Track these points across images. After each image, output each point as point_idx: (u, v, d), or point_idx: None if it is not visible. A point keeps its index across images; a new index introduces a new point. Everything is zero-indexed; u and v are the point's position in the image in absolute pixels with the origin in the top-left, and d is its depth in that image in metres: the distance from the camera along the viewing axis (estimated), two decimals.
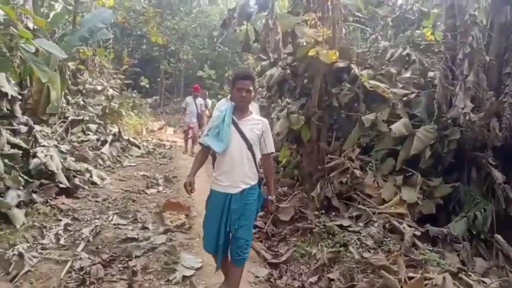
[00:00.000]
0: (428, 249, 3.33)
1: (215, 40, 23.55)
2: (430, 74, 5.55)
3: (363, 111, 5.01)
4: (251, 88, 2.69)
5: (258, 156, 2.76)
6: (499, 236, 3.71)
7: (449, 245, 3.47)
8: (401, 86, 5.22)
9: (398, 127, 4.51)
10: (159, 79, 23.14)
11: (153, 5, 20.79)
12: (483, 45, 4.29)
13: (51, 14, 9.26)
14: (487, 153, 4.16)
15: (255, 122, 2.73)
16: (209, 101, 11.17)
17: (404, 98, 4.90)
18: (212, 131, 2.71)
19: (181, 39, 22.85)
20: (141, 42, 23.73)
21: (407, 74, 5.49)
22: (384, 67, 5.59)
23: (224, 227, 2.69)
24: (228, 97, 4.46)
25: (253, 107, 3.66)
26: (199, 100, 9.94)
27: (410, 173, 4.48)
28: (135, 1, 20.19)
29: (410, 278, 2.74)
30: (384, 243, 3.48)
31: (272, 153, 2.83)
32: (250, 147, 2.67)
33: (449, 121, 4.29)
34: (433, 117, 4.54)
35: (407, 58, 5.97)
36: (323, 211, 4.36)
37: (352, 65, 5.16)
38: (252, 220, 2.82)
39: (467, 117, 4.07)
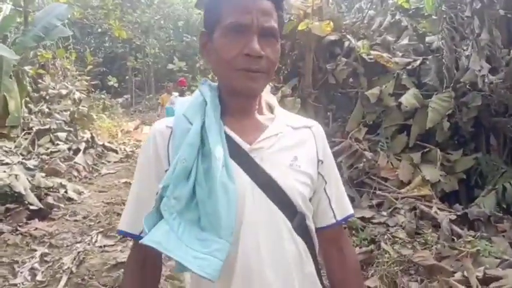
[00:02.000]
0: (471, 236, 2.90)
1: (181, 30, 22.61)
2: (427, 38, 5.11)
3: (364, 86, 4.52)
4: (274, 24, 0.81)
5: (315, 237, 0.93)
6: None
7: (492, 227, 3.06)
8: (401, 54, 4.75)
9: (408, 99, 4.04)
10: (127, 77, 22.08)
11: None
12: None
13: (0, 18, 8.32)
14: (511, 118, 3.76)
15: (292, 140, 0.89)
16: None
17: (408, 67, 4.43)
18: (172, 192, 0.75)
19: (145, 33, 21.79)
20: (103, 40, 22.53)
21: (405, 41, 5.01)
22: (378, 36, 5.10)
23: None
24: (176, 95, 2.00)
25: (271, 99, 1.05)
26: None
27: (426, 149, 4.05)
28: None
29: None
30: (419, 233, 3.03)
31: (349, 218, 1.00)
32: (299, 223, 0.86)
33: (466, 86, 3.85)
34: (444, 84, 4.09)
35: (399, 25, 5.50)
36: None
37: (348, 36, 4.64)
38: None
39: (486, 80, 3.64)
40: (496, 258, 2.55)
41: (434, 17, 5.48)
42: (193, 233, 0.75)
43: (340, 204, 0.95)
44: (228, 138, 0.82)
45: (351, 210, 0.98)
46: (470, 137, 4.12)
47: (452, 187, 3.86)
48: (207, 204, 0.75)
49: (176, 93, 7.78)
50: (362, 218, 3.40)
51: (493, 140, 4.10)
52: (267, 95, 0.96)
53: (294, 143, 0.88)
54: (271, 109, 0.94)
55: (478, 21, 3.89)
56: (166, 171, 0.81)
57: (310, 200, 0.89)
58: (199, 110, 0.84)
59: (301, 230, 0.86)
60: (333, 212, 0.93)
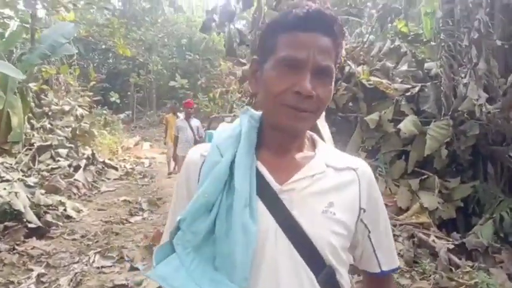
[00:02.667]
0: (469, 266, 2.89)
1: (184, 48, 22.95)
2: (426, 64, 5.21)
3: (364, 111, 4.58)
4: (331, 63, 0.76)
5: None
6: None
7: (490, 258, 3.06)
8: (400, 80, 4.83)
9: (407, 126, 4.09)
10: (129, 93, 22.30)
11: (117, 16, 19.98)
12: (491, 29, 3.94)
13: (7, 33, 8.47)
14: (508, 147, 3.79)
15: (331, 182, 0.81)
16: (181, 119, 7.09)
17: (407, 94, 4.50)
18: (189, 226, 0.74)
19: (149, 50, 22.12)
20: (107, 56, 22.87)
21: (404, 68, 5.10)
22: (378, 62, 5.19)
23: None
24: (181, 117, 2.22)
25: (323, 127, 1.42)
26: (195, 121, 6.83)
27: (425, 176, 4.08)
28: (97, 13, 19.34)
29: None
30: (417, 262, 3.02)
31: (397, 271, 1.05)
32: (327, 278, 0.77)
33: (464, 115, 3.90)
34: (442, 112, 4.15)
35: (399, 51, 5.61)
36: None
37: (349, 62, 4.73)
38: None
39: (483, 109, 3.69)
40: None
41: (433, 43, 5.61)
42: (206, 271, 0.72)
43: (387, 254, 0.87)
44: (259, 174, 0.77)
45: (397, 263, 0.91)
46: (468, 165, 4.14)
47: (450, 215, 3.87)
48: (223, 243, 0.72)
49: (181, 116, 6.89)
50: None
51: (491, 169, 4.12)
52: (322, 126, 0.88)
53: (332, 186, 0.80)
54: (314, 145, 0.86)
55: (475, 51, 3.97)
56: None
57: (353, 247, 0.84)
58: (233, 143, 0.80)
59: (329, 285, 0.76)
60: (378, 260, 0.86)
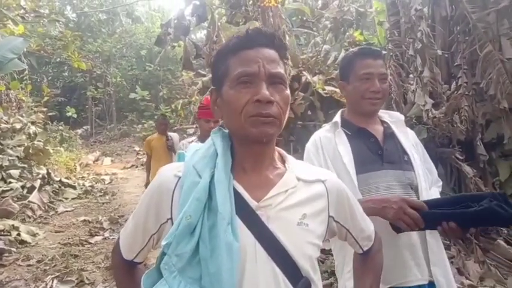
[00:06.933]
0: None
1: (143, 59, 22.57)
2: None
3: (322, 119, 4.72)
4: (281, 70, 0.84)
5: None
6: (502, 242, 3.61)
7: None
8: None
9: None
10: (87, 107, 21.57)
11: (71, 28, 19.32)
12: (432, 40, 4.21)
13: None
14: (454, 149, 4.05)
15: (303, 195, 0.86)
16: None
17: None
18: (174, 249, 0.75)
19: (107, 62, 21.56)
20: (62, 69, 22.03)
21: None
22: (334, 71, 5.38)
23: None
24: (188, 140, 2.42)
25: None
26: None
27: None
28: (50, 26, 18.64)
29: None
30: None
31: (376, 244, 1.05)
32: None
33: (413, 120, 4.12)
34: None
35: None
36: None
37: (304, 72, 4.86)
38: None
39: (430, 114, 3.92)
40: None
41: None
42: None
43: (366, 239, 1.00)
44: (236, 193, 0.80)
45: (372, 240, 1.03)
46: None
47: None
48: (209, 264, 0.73)
49: (193, 140, 3.52)
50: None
51: (441, 169, 4.36)
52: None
53: (304, 198, 0.85)
54: (283, 161, 0.91)
55: (420, 60, 4.21)
56: (168, 219, 0.82)
57: (342, 237, 0.98)
58: (209, 163, 0.81)
59: None
60: (359, 245, 1.00)
